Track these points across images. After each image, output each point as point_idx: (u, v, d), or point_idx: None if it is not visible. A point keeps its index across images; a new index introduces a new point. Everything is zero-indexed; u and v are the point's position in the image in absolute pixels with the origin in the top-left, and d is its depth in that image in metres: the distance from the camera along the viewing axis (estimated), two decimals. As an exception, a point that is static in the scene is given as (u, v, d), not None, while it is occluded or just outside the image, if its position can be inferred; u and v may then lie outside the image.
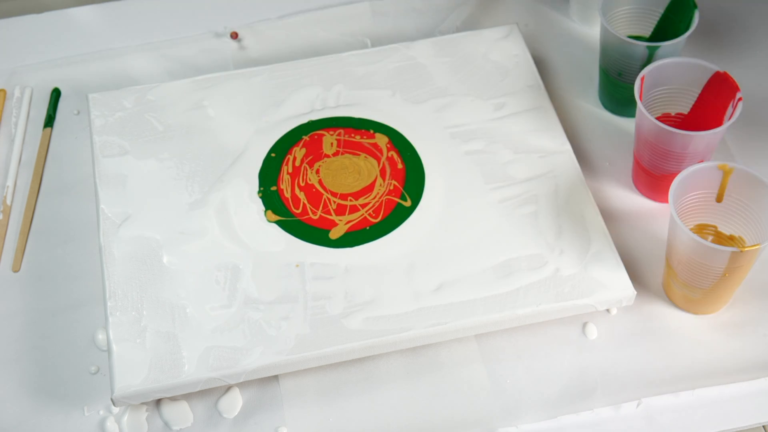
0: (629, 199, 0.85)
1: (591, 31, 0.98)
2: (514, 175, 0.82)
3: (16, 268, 0.82)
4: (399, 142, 0.85)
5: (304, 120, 0.87)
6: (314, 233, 0.79)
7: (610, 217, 0.83)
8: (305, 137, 0.86)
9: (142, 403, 0.74)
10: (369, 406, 0.74)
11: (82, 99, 0.93)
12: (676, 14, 0.87)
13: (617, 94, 0.89)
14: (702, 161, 0.78)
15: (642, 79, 0.79)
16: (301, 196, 0.82)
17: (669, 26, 0.88)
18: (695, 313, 0.78)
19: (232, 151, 0.85)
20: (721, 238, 0.78)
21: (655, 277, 0.80)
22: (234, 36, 0.98)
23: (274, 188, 0.82)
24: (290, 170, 0.83)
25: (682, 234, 0.71)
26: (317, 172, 0.83)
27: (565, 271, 0.76)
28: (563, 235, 0.78)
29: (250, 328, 0.74)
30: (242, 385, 0.75)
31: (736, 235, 0.77)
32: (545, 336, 0.77)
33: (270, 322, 0.74)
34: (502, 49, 0.92)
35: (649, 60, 0.84)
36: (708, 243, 0.70)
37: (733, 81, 0.78)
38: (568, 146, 0.84)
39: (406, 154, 0.84)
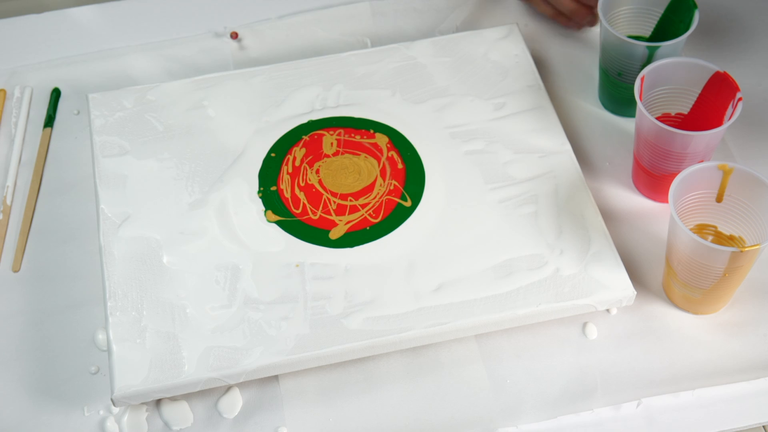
0: (629, 199, 0.85)
1: (591, 31, 0.98)
2: (514, 175, 0.82)
3: (16, 268, 0.82)
4: (399, 142, 0.85)
5: (304, 120, 0.87)
6: (314, 233, 0.79)
7: (610, 217, 0.83)
8: (305, 137, 0.86)
9: (142, 403, 0.74)
10: (369, 406, 0.74)
11: (82, 99, 0.93)
12: (676, 14, 0.87)
13: (617, 94, 0.89)
14: (702, 161, 0.78)
15: (642, 79, 0.79)
16: (301, 196, 0.82)
17: (669, 26, 0.88)
18: (695, 313, 0.78)
19: (232, 151, 0.85)
20: (721, 238, 0.78)
21: (655, 277, 0.80)
22: (234, 36, 0.98)
23: (274, 188, 0.82)
24: (290, 170, 0.83)
25: (682, 234, 0.71)
26: (317, 172, 0.83)
27: (565, 271, 0.76)
28: (563, 235, 0.78)
29: (250, 328, 0.74)
30: (242, 385, 0.75)
31: (736, 235, 0.77)
32: (545, 336, 0.77)
33: (270, 322, 0.74)
34: (502, 49, 0.92)
35: (649, 60, 0.84)
36: (708, 243, 0.70)
37: (733, 81, 0.78)
38: (568, 146, 0.84)
39: (406, 154, 0.84)
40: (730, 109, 0.78)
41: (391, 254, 0.78)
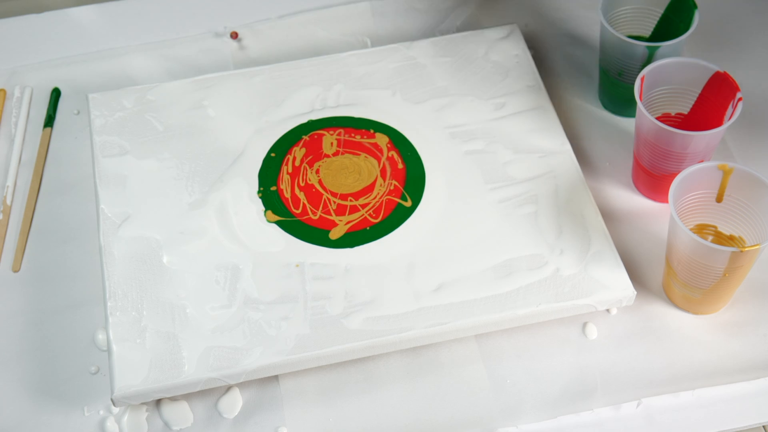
0: (629, 199, 0.85)
1: (591, 31, 0.98)
2: (514, 175, 0.82)
3: (16, 268, 0.82)
4: (399, 142, 0.85)
5: (304, 120, 0.87)
6: (314, 233, 0.79)
7: (610, 217, 0.83)
8: (305, 137, 0.86)
9: (142, 403, 0.74)
10: (369, 406, 0.74)
11: (82, 99, 0.93)
12: (676, 14, 0.87)
13: (617, 94, 0.89)
14: (702, 161, 0.78)
15: (642, 79, 0.79)
16: (301, 196, 0.82)
17: (669, 26, 0.88)
18: (695, 313, 0.78)
19: (232, 151, 0.85)
20: (721, 238, 0.78)
21: (655, 277, 0.80)
22: (234, 36, 0.98)
23: (273, 188, 0.82)
24: (290, 170, 0.83)
25: (682, 234, 0.71)
26: (317, 172, 0.83)
27: (565, 271, 0.76)
28: (563, 235, 0.78)
29: (250, 328, 0.74)
30: (242, 385, 0.75)
31: (736, 235, 0.77)
32: (545, 336, 0.77)
33: (270, 322, 0.74)
34: (502, 49, 0.92)
35: (649, 60, 0.84)
36: (708, 243, 0.70)
37: (733, 81, 0.78)
38: (568, 146, 0.84)
39: (406, 154, 0.84)
40: (730, 109, 0.78)
41: (391, 254, 0.78)
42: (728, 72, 0.79)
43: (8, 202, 0.86)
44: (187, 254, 0.78)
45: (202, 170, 0.83)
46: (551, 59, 0.96)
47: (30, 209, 0.86)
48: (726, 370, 0.75)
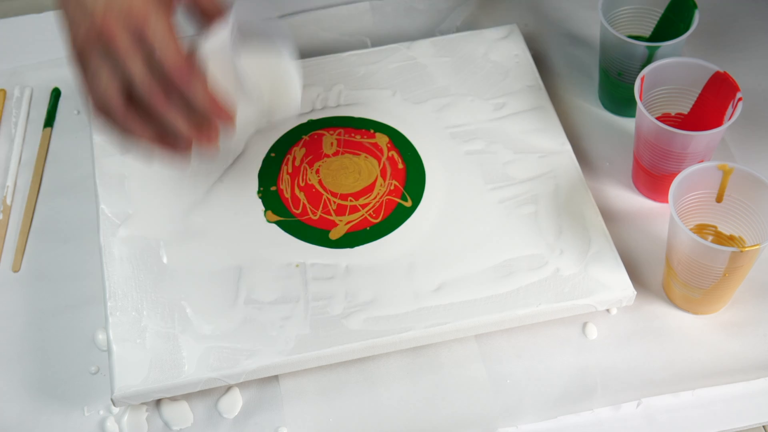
0: (629, 199, 0.85)
1: (591, 31, 0.98)
2: (514, 175, 0.82)
3: (16, 268, 0.82)
4: (399, 142, 0.85)
5: (304, 120, 0.87)
6: (314, 233, 0.79)
7: (610, 217, 0.83)
8: (305, 137, 0.86)
9: (142, 403, 0.74)
10: (369, 406, 0.74)
11: (82, 99, 0.93)
12: (676, 14, 0.87)
13: (617, 94, 0.89)
14: (702, 161, 0.78)
15: (642, 79, 0.79)
16: (301, 196, 0.82)
17: (669, 26, 0.88)
18: (695, 313, 0.78)
19: (232, 151, 0.85)
20: (721, 238, 0.78)
21: (655, 277, 0.80)
22: (234, 36, 0.98)
23: (273, 188, 0.82)
24: (290, 170, 0.83)
25: (682, 234, 0.71)
26: (317, 172, 0.83)
27: (565, 271, 0.76)
28: (563, 235, 0.78)
29: (250, 328, 0.74)
30: (242, 385, 0.75)
31: (736, 235, 0.77)
32: (545, 336, 0.77)
33: (270, 323, 0.74)
34: (502, 49, 0.92)
35: (649, 60, 0.84)
36: (708, 243, 0.70)
37: (733, 81, 0.78)
38: (568, 146, 0.84)
39: (406, 154, 0.84)
40: (730, 109, 0.78)
41: (391, 254, 0.78)
42: (728, 72, 0.79)
43: (8, 202, 0.86)
44: (187, 254, 0.78)
45: (202, 170, 0.83)
46: (551, 59, 0.96)
47: (30, 209, 0.85)
48: (726, 370, 0.75)
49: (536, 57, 0.95)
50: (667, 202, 0.83)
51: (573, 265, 0.76)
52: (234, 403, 0.74)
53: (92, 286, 0.80)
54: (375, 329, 0.74)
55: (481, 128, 0.86)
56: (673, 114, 0.84)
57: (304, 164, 0.84)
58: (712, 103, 0.81)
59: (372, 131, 0.86)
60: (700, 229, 0.78)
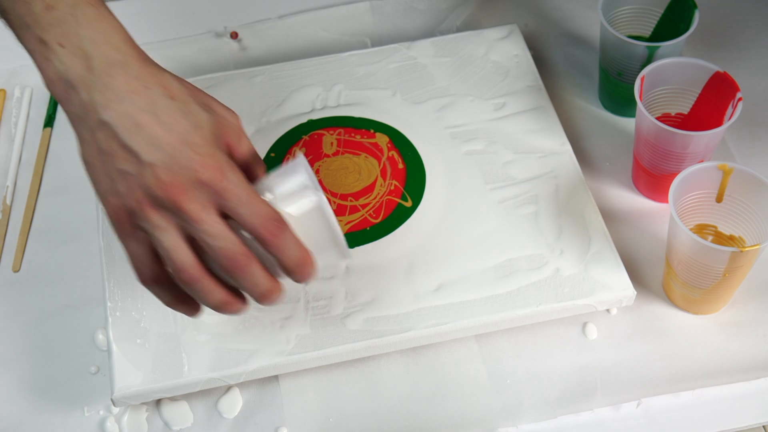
0: (629, 199, 0.85)
1: (591, 31, 0.98)
2: (514, 175, 0.82)
3: (16, 268, 0.82)
4: (400, 142, 0.85)
5: (304, 120, 0.87)
6: (314, 233, 0.79)
7: (610, 217, 0.83)
8: (305, 137, 0.86)
9: (142, 403, 0.74)
10: (369, 406, 0.74)
11: (82, 99, 0.93)
12: (676, 14, 0.87)
13: (617, 94, 0.89)
14: (702, 161, 0.78)
15: (642, 79, 0.79)
16: (301, 196, 0.82)
17: (669, 26, 0.88)
18: (695, 313, 0.78)
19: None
20: (721, 238, 0.78)
21: (655, 277, 0.80)
22: (234, 36, 0.98)
23: (274, 188, 0.82)
24: (290, 170, 0.83)
25: (682, 234, 0.71)
26: (317, 172, 0.83)
27: (565, 271, 0.76)
28: (563, 235, 0.78)
29: (250, 328, 0.74)
30: (242, 385, 0.75)
31: (736, 235, 0.77)
32: (545, 336, 0.77)
33: (270, 323, 0.74)
34: (502, 49, 0.92)
35: (649, 60, 0.84)
36: (708, 243, 0.70)
37: (733, 81, 0.78)
38: (568, 146, 0.84)
39: (407, 154, 0.84)
40: (730, 109, 0.78)
41: (391, 254, 0.78)
42: (728, 72, 0.79)
43: (8, 202, 0.86)
44: (187, 254, 0.78)
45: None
46: (551, 59, 0.96)
47: (30, 209, 0.85)
48: (726, 370, 0.75)
49: (536, 57, 0.95)
50: (667, 202, 0.83)
51: (573, 265, 0.76)
52: (234, 403, 0.74)
53: (92, 286, 0.80)
54: (375, 329, 0.74)
55: (481, 128, 0.86)
56: (673, 114, 0.84)
57: (304, 164, 0.84)
58: (712, 103, 0.81)
59: (372, 131, 0.86)
60: (700, 229, 0.78)
